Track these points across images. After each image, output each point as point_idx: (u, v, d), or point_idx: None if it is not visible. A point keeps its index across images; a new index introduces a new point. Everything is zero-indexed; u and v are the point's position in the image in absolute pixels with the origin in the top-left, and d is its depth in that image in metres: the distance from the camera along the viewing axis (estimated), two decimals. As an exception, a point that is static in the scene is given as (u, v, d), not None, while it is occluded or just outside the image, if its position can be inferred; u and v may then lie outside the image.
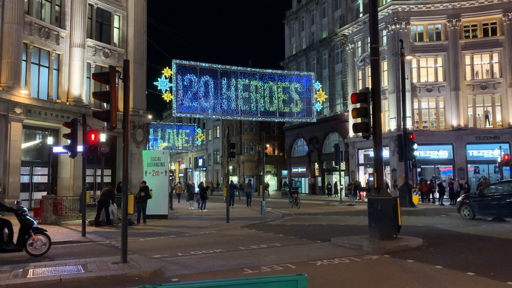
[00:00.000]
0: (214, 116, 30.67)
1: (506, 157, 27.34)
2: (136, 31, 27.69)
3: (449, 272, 8.16)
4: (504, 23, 34.14)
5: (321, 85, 29.13)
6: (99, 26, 26.76)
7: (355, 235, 12.82)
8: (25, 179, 22.83)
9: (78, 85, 24.23)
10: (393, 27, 35.69)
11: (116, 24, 27.55)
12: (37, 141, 24.18)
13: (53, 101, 23.40)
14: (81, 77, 24.37)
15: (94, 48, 25.79)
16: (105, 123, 9.08)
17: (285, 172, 57.50)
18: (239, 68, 26.03)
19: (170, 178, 61.02)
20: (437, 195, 29.16)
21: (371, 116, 12.08)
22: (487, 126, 34.66)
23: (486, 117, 34.99)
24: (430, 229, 14.96)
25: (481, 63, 35.34)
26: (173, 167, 74.54)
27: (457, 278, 7.75)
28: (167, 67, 22.93)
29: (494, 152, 31.24)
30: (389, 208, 11.61)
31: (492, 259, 9.49)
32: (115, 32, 27.53)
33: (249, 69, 27.16)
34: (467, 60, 35.29)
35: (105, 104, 9.17)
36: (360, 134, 12.64)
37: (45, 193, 19.78)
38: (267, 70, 27.35)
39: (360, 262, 9.40)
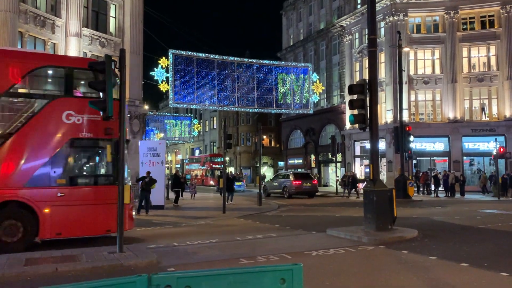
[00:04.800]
0: (210, 107, 30.62)
1: (502, 149, 27.43)
2: (133, 21, 27.47)
3: (443, 263, 8.23)
4: (501, 15, 34.09)
5: (318, 77, 29.09)
6: (95, 15, 26.53)
7: (351, 226, 12.88)
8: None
9: (74, 74, 24.06)
10: (391, 18, 35.57)
11: (112, 13, 27.32)
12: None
13: (48, 91, 23.26)
14: (77, 66, 24.19)
15: (90, 38, 25.60)
16: (101, 113, 9.03)
17: (281, 163, 57.58)
18: (236, 58, 25.95)
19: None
20: (432, 187, 29.37)
21: (368, 107, 12.07)
22: (483, 118, 34.76)
23: (482, 109, 35.08)
24: (425, 220, 15.06)
25: (478, 56, 35.35)
26: (169, 158, 74.50)
27: (451, 269, 7.82)
28: (163, 57, 22.84)
29: (490, 145, 31.34)
30: (384, 200, 11.66)
31: (486, 250, 9.58)
32: (112, 22, 27.31)
33: (246, 59, 27.10)
34: (465, 52, 35.27)
35: (101, 94, 9.11)
36: (357, 126, 12.64)
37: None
38: (264, 61, 27.28)
39: (355, 252, 9.46)
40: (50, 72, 11.14)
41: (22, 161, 10.15)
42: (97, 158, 11.45)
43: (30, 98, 10.82)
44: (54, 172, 10.40)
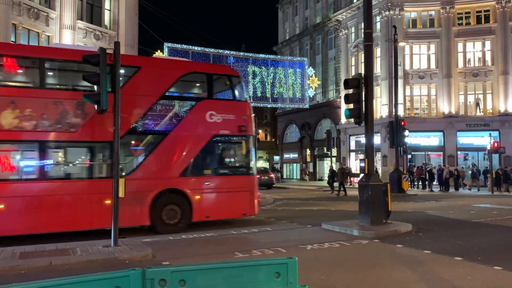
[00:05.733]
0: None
1: (496, 144, 27.58)
2: (128, 13, 27.28)
3: (437, 257, 8.27)
4: (497, 10, 34.13)
5: (314, 71, 29.10)
6: (90, 7, 26.30)
7: (346, 220, 12.93)
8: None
9: (68, 67, 23.89)
10: (387, 13, 35.53)
11: (107, 6, 27.10)
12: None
13: (42, 84, 23.07)
14: (72, 59, 24.00)
15: (84, 30, 25.40)
16: (95, 106, 8.97)
17: (277, 158, 57.63)
18: (231, 52, 25.89)
19: None
20: (427, 181, 29.54)
21: (364, 102, 12.07)
22: (478, 113, 34.89)
23: (477, 104, 35.20)
24: (420, 214, 15.13)
25: (473, 51, 35.42)
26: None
27: (445, 262, 7.86)
28: (159, 51, 22.73)
29: (484, 140, 31.51)
30: (379, 194, 11.69)
31: (480, 244, 9.63)
32: (106, 14, 27.10)
33: (242, 53, 27.03)
34: (460, 47, 35.33)
35: (95, 86, 9.06)
36: (352, 120, 12.63)
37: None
38: (260, 55, 27.23)
39: (350, 246, 9.50)
40: (195, 77, 12.91)
41: (177, 155, 11.86)
42: (234, 151, 13.33)
43: (181, 100, 12.69)
44: (202, 164, 12.15)
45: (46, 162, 10.52)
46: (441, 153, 35.07)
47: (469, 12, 35.31)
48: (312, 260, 8.04)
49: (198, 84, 13.21)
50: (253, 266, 3.81)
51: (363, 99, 12.05)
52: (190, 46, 24.11)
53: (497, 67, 33.99)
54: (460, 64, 35.27)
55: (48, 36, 23.71)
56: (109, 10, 27.24)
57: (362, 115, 12.01)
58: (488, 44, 34.76)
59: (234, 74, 13.58)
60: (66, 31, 24.00)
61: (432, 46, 35.72)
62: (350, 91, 12.56)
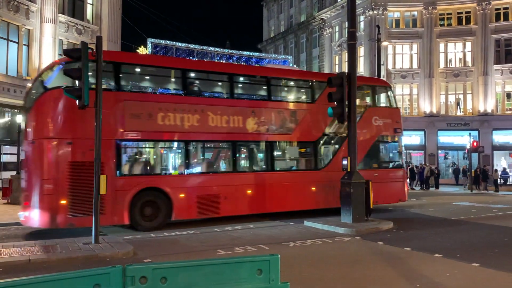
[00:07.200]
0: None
1: (475, 143, 28.14)
2: (111, 8, 26.93)
3: (418, 254, 8.39)
4: (478, 12, 34.71)
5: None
6: (72, 1, 25.89)
7: (328, 217, 13.02)
8: (-7, 158, 22.19)
9: (49, 62, 23.48)
10: (371, 12, 35.82)
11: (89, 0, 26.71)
12: (6, 119, 23.44)
13: (22, 78, 22.64)
14: (53, 54, 23.62)
15: (66, 25, 24.99)
16: (77, 101, 8.83)
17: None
18: (216, 49, 25.79)
19: None
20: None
21: (347, 101, 12.14)
22: (458, 113, 35.47)
23: (458, 104, 35.78)
24: (401, 212, 15.34)
25: (454, 51, 35.97)
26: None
27: (425, 259, 7.98)
28: (142, 46, 22.50)
29: (464, 139, 32.07)
30: (361, 192, 11.81)
31: (459, 241, 9.81)
32: (89, 9, 26.71)
33: (226, 50, 26.95)
34: (442, 47, 35.84)
35: (76, 82, 8.91)
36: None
37: (14, 173, 19.27)
38: (245, 53, 27.19)
39: (332, 243, 9.57)
40: (364, 88, 15.47)
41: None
42: (391, 149, 16.16)
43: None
44: (371, 159, 14.98)
45: (275, 157, 13.82)
46: (422, 152, 35.56)
47: (450, 13, 35.84)
48: (294, 257, 8.08)
49: (366, 94, 15.67)
50: (235, 263, 3.80)
51: (346, 98, 12.13)
52: (174, 42, 23.92)
53: (477, 68, 34.59)
54: (442, 64, 35.80)
55: (29, 29, 23.27)
56: (92, 4, 26.85)
57: (345, 113, 12.09)
58: (468, 45, 35.35)
59: (389, 85, 16.87)
60: (47, 25, 23.58)
61: (415, 46, 36.17)
62: (334, 89, 12.62)
